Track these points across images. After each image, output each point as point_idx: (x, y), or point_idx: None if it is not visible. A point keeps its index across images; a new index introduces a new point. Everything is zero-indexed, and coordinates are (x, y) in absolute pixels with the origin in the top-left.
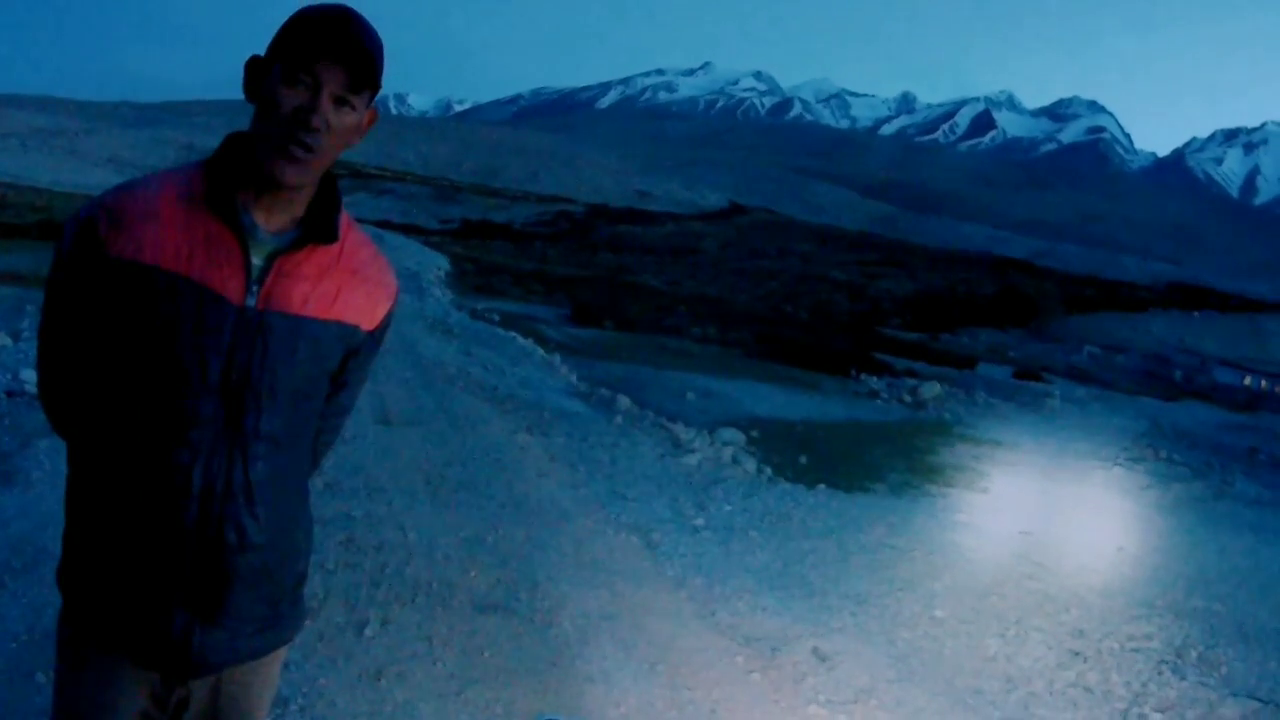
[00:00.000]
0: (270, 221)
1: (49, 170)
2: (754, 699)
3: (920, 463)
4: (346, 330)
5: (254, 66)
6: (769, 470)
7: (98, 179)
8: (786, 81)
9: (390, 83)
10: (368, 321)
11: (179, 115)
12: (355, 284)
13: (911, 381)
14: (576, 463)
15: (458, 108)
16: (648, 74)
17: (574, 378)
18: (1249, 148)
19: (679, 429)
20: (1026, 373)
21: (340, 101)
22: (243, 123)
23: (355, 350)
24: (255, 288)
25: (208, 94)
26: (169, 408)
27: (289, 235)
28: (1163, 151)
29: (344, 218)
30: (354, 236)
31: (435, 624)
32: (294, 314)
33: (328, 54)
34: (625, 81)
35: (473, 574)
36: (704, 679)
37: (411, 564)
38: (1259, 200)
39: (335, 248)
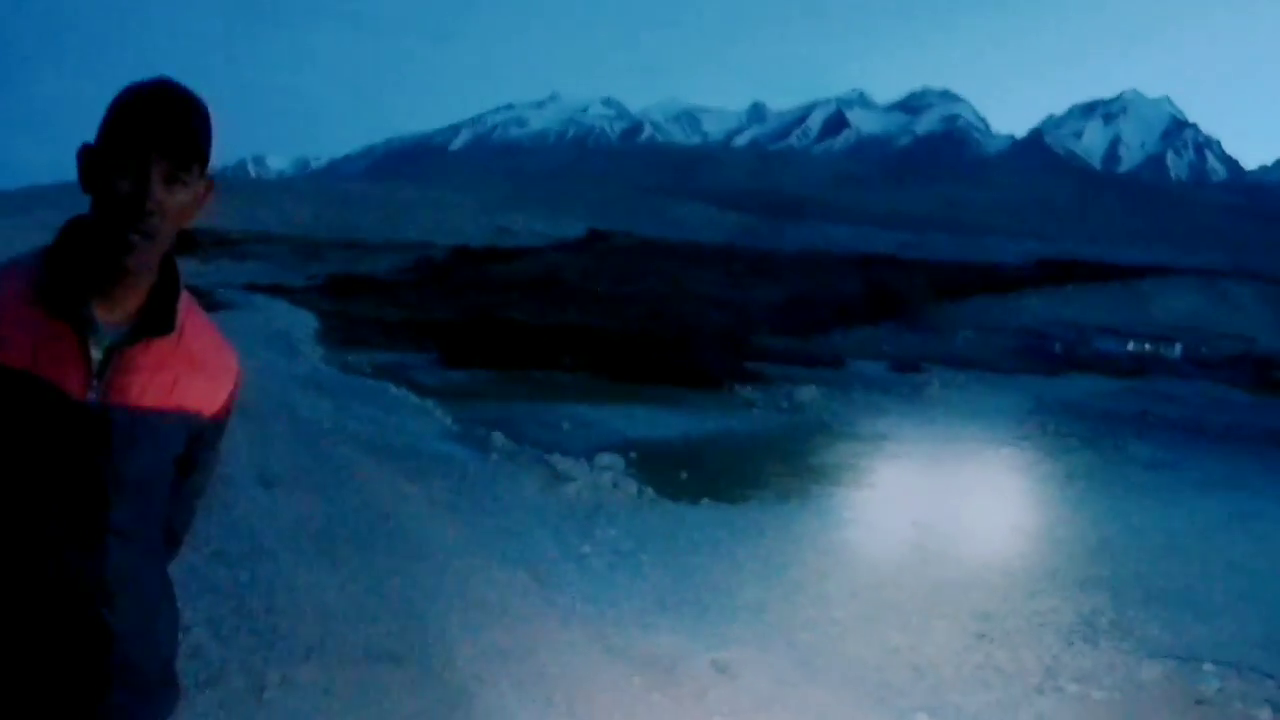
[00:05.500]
0: (111, 313)
1: None
2: (656, 719)
3: (803, 466)
4: (188, 418)
5: (85, 155)
6: (651, 491)
7: None
8: (635, 104)
9: (247, 146)
10: (209, 407)
11: (47, 201)
12: (194, 371)
13: (787, 387)
14: (458, 505)
15: (315, 165)
16: (497, 110)
17: (449, 420)
18: (1108, 118)
19: (557, 460)
20: (903, 365)
21: (171, 180)
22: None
23: (199, 435)
24: (96, 382)
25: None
26: (18, 507)
27: (126, 329)
28: (1021, 132)
29: (184, 303)
30: (194, 323)
31: (333, 679)
32: (133, 406)
33: (152, 136)
34: (476, 121)
35: (365, 626)
36: (603, 705)
37: (304, 622)
38: (1122, 169)
39: (173, 337)
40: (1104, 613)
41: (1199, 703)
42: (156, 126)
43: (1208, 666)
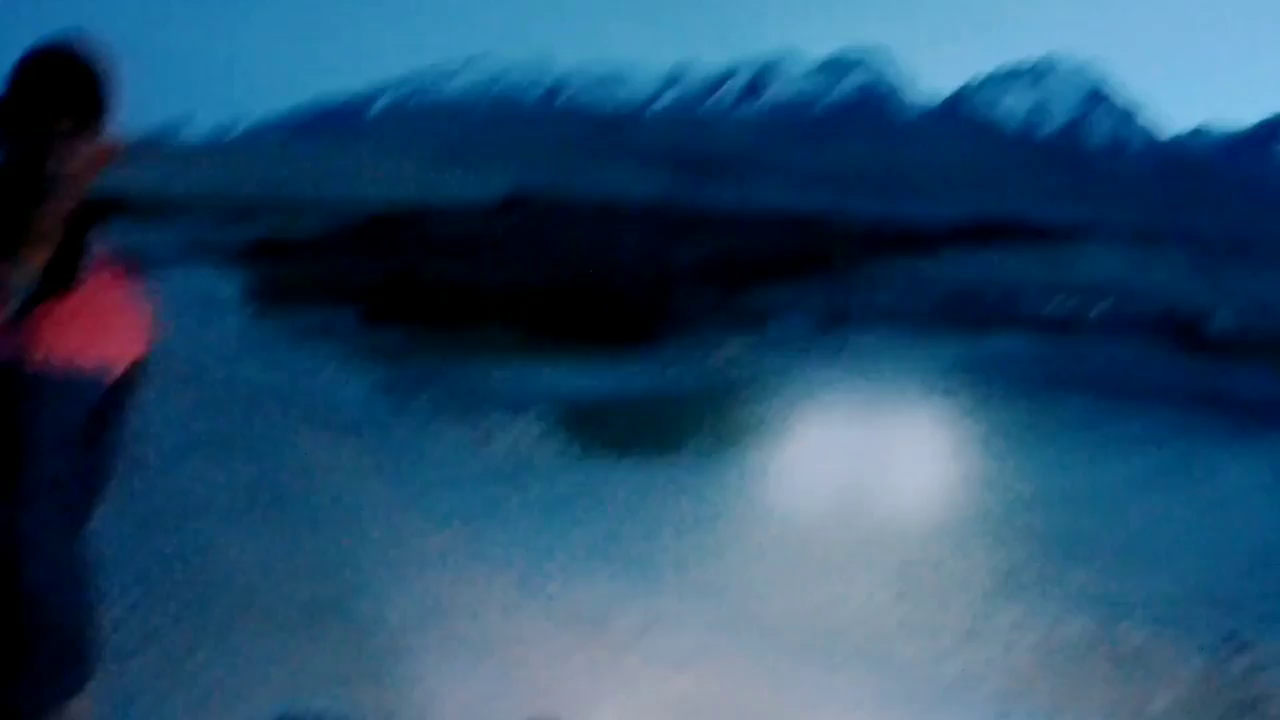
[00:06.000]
0: (16, 272)
1: None
2: (585, 673)
3: (726, 422)
4: (97, 375)
5: None
6: (576, 447)
7: None
8: (559, 64)
9: (173, 108)
10: (118, 365)
11: None
12: (103, 329)
13: (711, 344)
14: (385, 463)
15: (241, 127)
16: (420, 72)
17: (375, 379)
18: (1033, 80)
19: (482, 417)
20: (827, 322)
21: (72, 138)
22: None
23: (110, 394)
24: (1, 340)
25: None
26: None
27: (31, 287)
28: (946, 93)
29: (96, 259)
30: (103, 281)
31: (266, 641)
32: (39, 364)
33: (53, 94)
34: (400, 82)
35: (295, 585)
36: (535, 659)
37: (235, 584)
38: (1044, 133)
39: (81, 295)
40: (1029, 566)
41: (1124, 655)
42: (58, 84)
43: (1136, 619)
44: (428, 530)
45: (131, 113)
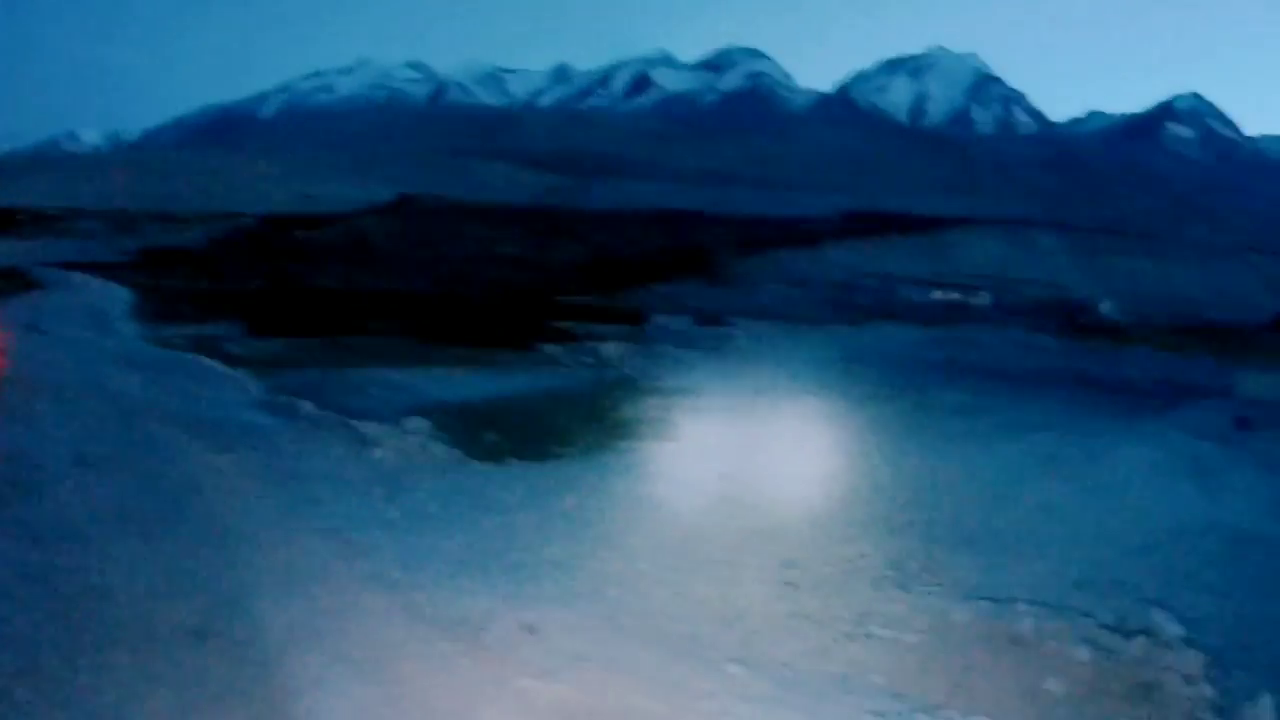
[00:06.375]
0: None
1: None
2: (465, 683)
3: (609, 422)
4: None
5: None
6: (458, 452)
7: None
8: (442, 67)
9: (59, 121)
10: None
11: None
12: None
13: (592, 344)
14: (268, 475)
15: (127, 137)
16: (306, 78)
17: (259, 390)
18: (915, 74)
19: (365, 425)
20: (708, 319)
21: None
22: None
23: None
24: None
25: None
26: None
27: None
28: (827, 88)
29: None
30: None
31: (147, 660)
32: None
33: None
34: (285, 88)
35: (177, 604)
36: (413, 672)
37: (117, 604)
38: (928, 123)
39: None
40: (914, 557)
41: (1014, 643)
42: None
43: (1021, 607)
44: (308, 543)
45: (18, 126)
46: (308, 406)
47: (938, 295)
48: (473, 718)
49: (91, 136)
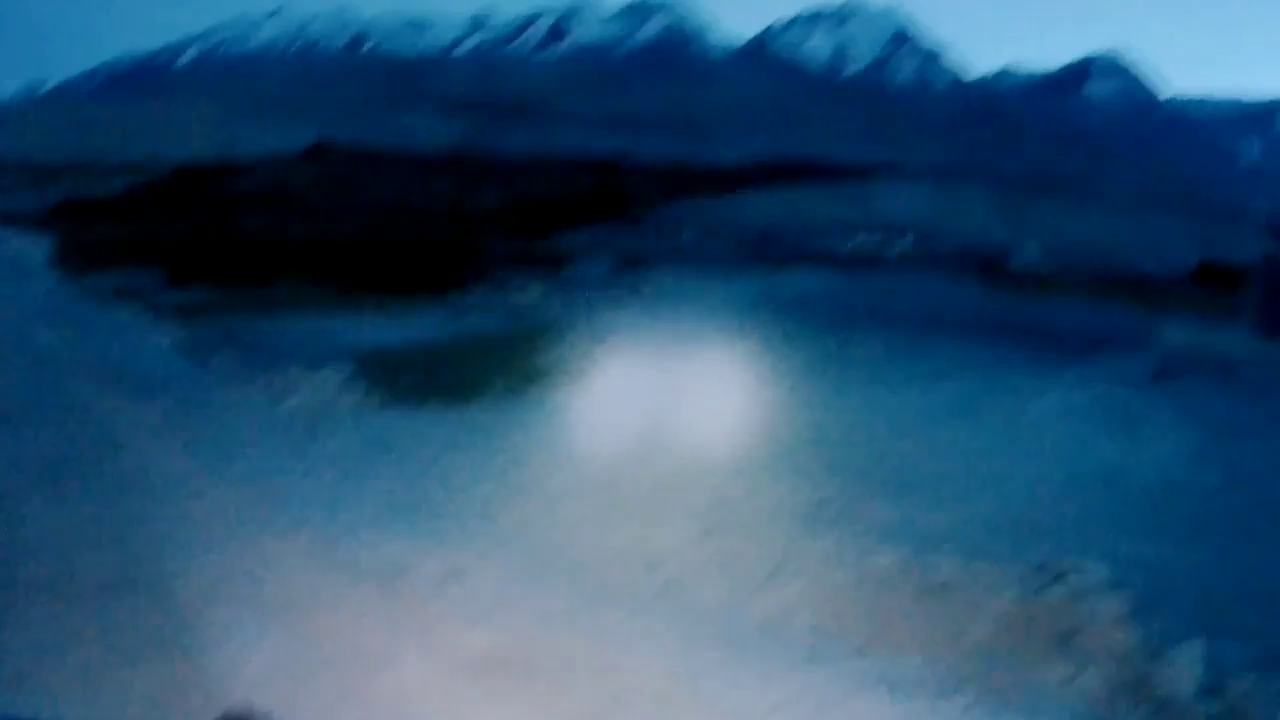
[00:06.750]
0: None
1: None
2: (385, 630)
3: (527, 367)
4: None
5: None
6: (375, 399)
7: None
8: (363, 12)
9: None
10: None
11: None
12: None
13: (510, 289)
14: (186, 426)
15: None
16: (225, 25)
17: (178, 340)
18: (835, 25)
19: (282, 372)
20: (626, 264)
21: None
22: None
23: None
24: None
25: None
26: None
27: None
28: (745, 38)
29: None
30: None
31: (67, 616)
32: None
33: None
34: (206, 35)
35: (97, 557)
36: (332, 621)
37: (38, 559)
38: (847, 74)
39: None
40: (834, 501)
41: (937, 588)
42: None
43: (944, 552)
44: (227, 493)
45: None
46: (227, 355)
47: (856, 243)
48: (395, 665)
49: (7, 86)
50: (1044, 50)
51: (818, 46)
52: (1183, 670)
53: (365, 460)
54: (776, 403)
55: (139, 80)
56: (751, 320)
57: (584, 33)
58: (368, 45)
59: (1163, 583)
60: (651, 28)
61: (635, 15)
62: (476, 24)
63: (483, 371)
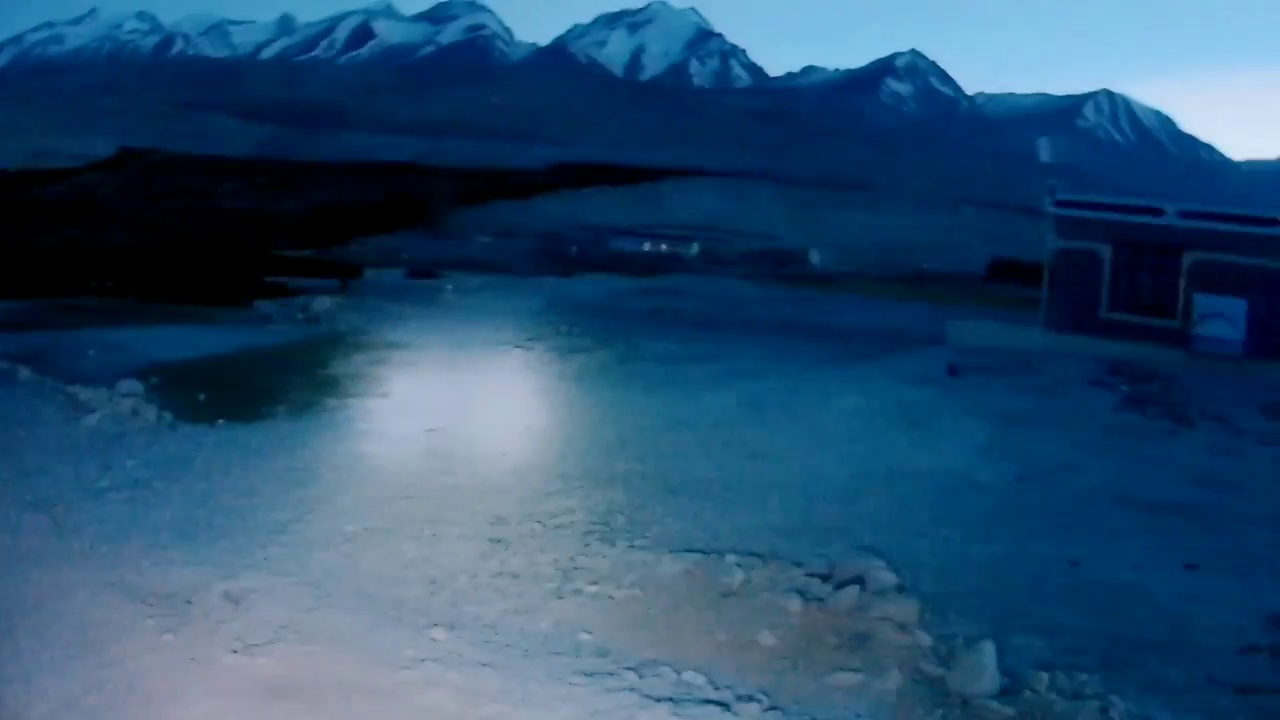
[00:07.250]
0: None
1: None
2: (171, 661)
3: (318, 379)
4: None
5: None
6: (169, 416)
7: None
8: (169, 18)
9: None
10: None
11: None
12: None
13: (303, 299)
14: None
15: None
16: (37, 29)
17: None
18: (633, 28)
19: (80, 390)
20: (419, 271)
21: None
22: None
23: None
24: None
25: None
26: None
27: None
28: (545, 41)
29: None
30: None
31: None
32: None
33: None
34: (15, 40)
35: None
36: (120, 652)
37: None
38: (645, 76)
39: None
40: (621, 511)
41: (725, 596)
42: None
43: (731, 558)
44: (18, 518)
45: None
46: (25, 372)
47: (648, 246)
48: (178, 698)
49: None
50: (845, 52)
51: (616, 49)
52: (978, 671)
53: (156, 481)
54: (567, 411)
55: None
56: (540, 326)
57: (387, 36)
58: (174, 49)
59: (955, 582)
60: (452, 31)
61: (436, 19)
62: (282, 28)
63: (275, 385)
